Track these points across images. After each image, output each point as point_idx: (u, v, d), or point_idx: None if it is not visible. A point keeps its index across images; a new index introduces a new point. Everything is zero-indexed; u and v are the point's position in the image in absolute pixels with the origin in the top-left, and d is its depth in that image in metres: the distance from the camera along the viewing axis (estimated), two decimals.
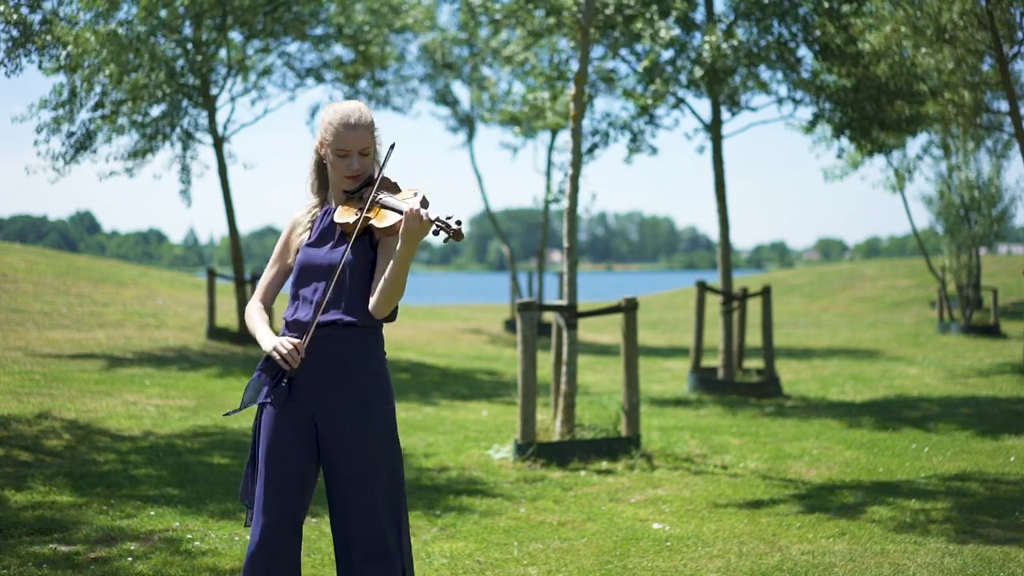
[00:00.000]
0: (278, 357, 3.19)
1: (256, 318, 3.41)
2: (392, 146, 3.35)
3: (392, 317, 3.35)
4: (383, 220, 3.26)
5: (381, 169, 3.35)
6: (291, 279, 3.39)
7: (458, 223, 3.11)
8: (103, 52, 12.24)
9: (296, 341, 3.21)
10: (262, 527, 3.27)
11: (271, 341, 3.25)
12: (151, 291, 19.08)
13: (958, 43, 10.82)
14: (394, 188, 3.37)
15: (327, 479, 3.33)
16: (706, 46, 10.62)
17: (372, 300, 3.27)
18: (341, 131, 3.30)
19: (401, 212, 3.21)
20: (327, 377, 3.27)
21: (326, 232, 3.37)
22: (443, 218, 3.12)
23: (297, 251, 3.39)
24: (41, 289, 16.48)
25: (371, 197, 3.27)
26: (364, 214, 3.25)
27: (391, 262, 3.19)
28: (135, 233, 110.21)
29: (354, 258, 3.30)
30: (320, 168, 3.44)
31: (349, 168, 3.34)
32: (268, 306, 3.46)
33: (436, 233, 3.15)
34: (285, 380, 3.27)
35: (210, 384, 10.86)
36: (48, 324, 13.84)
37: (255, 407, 3.39)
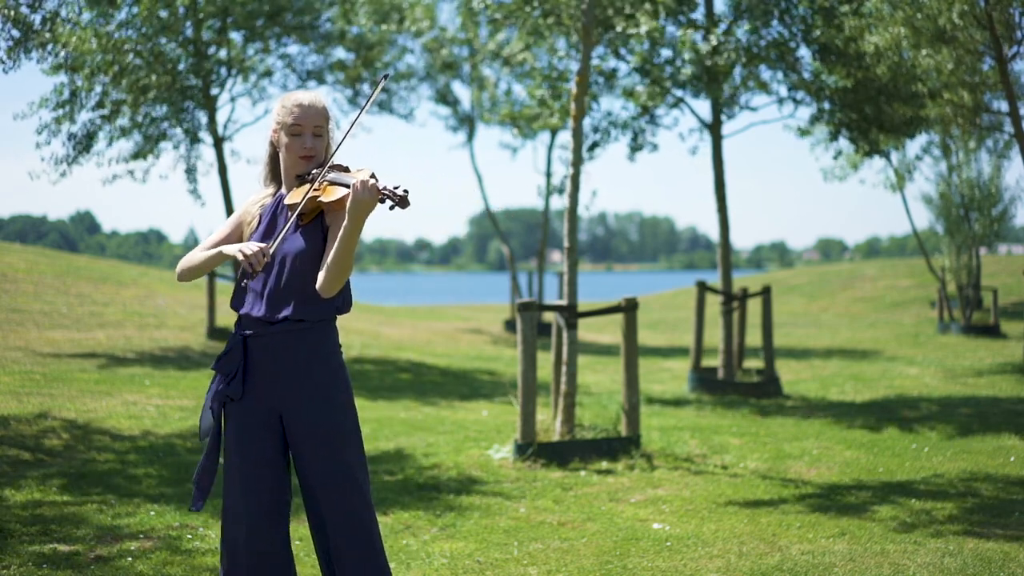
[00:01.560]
0: (242, 257, 3.14)
1: (199, 251, 3.36)
2: (386, 76, 3.37)
3: (345, 307, 3.33)
4: (331, 195, 3.24)
5: (335, 149, 3.35)
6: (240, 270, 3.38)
7: (404, 191, 3.10)
8: (103, 54, 12.24)
9: (261, 244, 3.16)
10: (246, 529, 3.26)
11: (233, 246, 3.21)
12: (151, 291, 19.08)
13: (957, 43, 10.81)
14: (344, 170, 3.37)
15: (300, 478, 3.31)
16: (706, 44, 10.62)
17: (319, 278, 3.22)
18: (295, 110, 3.33)
19: (346, 185, 3.20)
20: (285, 375, 3.26)
21: (276, 219, 3.36)
22: (389, 187, 3.11)
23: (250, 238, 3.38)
24: (41, 289, 16.48)
25: (320, 174, 3.28)
26: (311, 190, 3.24)
27: (339, 237, 3.15)
28: (135, 233, 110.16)
29: (304, 245, 3.27)
30: (274, 159, 3.46)
31: (303, 147, 3.34)
32: None
33: (382, 201, 3.12)
34: (235, 373, 3.25)
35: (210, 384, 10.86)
36: (48, 324, 13.84)
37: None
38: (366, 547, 3.27)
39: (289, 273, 3.26)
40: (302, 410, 3.26)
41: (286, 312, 3.24)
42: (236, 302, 3.34)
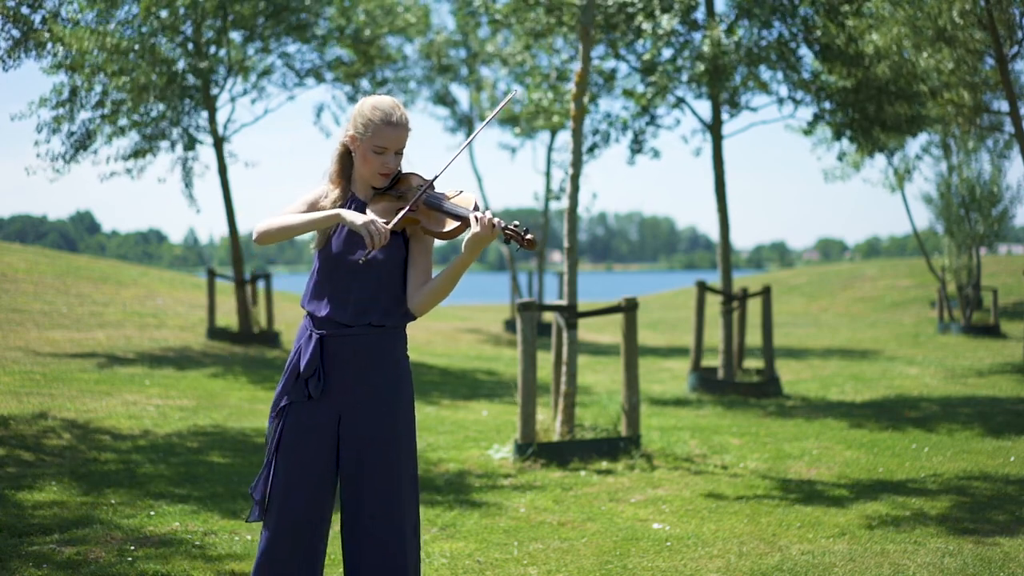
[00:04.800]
0: (367, 233, 3.12)
1: (292, 213, 3.28)
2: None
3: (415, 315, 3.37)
4: (435, 223, 3.23)
5: (433, 179, 3.29)
6: (316, 271, 3.34)
7: (527, 231, 3.11)
8: (102, 54, 12.22)
9: (385, 223, 3.16)
10: (284, 527, 3.25)
11: (360, 216, 3.16)
12: (151, 291, 19.08)
13: (958, 43, 10.81)
14: (429, 186, 3.33)
15: (345, 478, 3.30)
16: (707, 41, 10.61)
17: (417, 299, 3.27)
18: (383, 129, 3.27)
19: (458, 217, 3.19)
20: (357, 378, 3.27)
21: None
22: (511, 227, 3.11)
23: (327, 241, 3.32)
24: (41, 289, 16.48)
25: (417, 196, 3.25)
26: (408, 212, 3.22)
27: (450, 267, 3.21)
28: (135, 233, 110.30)
29: (385, 255, 3.28)
30: (344, 159, 3.38)
31: (385, 166, 3.31)
32: None
33: (506, 242, 3.13)
34: (315, 373, 3.24)
35: (210, 384, 10.86)
36: (48, 324, 13.83)
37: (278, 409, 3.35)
38: (404, 552, 3.28)
39: (375, 281, 3.27)
40: (368, 411, 3.27)
41: (370, 318, 3.27)
42: (315, 305, 3.31)
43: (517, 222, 3.13)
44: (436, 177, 3.30)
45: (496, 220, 3.11)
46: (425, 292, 3.26)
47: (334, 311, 3.27)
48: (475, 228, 3.12)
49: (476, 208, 3.20)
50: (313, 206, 3.35)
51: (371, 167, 3.31)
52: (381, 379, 3.28)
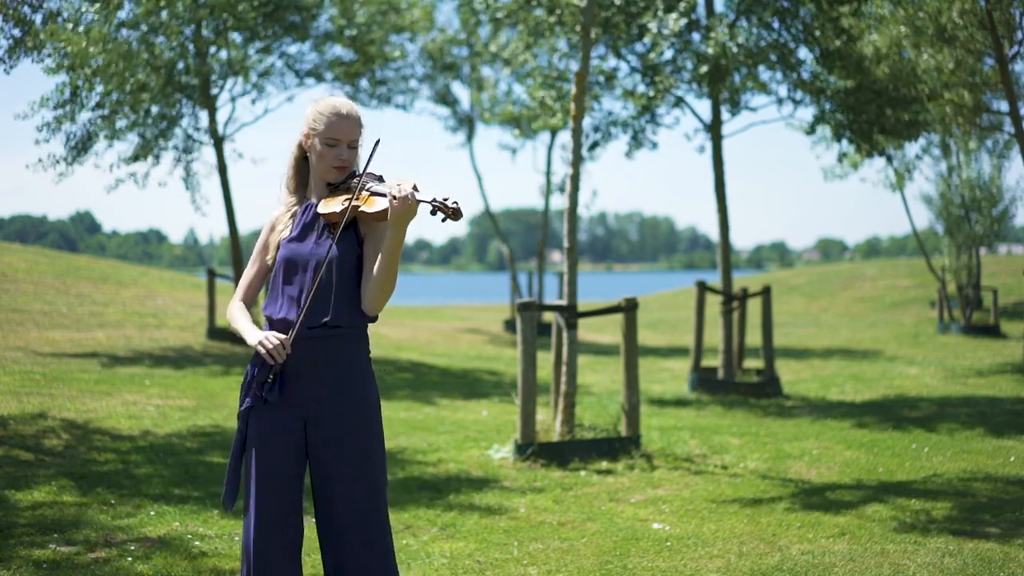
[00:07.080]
0: (264, 351, 3.15)
1: (239, 316, 3.35)
2: (377, 142, 3.32)
3: (375, 316, 3.33)
4: (372, 205, 3.21)
5: (368, 162, 3.30)
6: (273, 275, 3.35)
7: (455, 202, 3.07)
8: (102, 55, 12.21)
9: (282, 336, 3.17)
10: (256, 530, 3.25)
11: (255, 335, 3.21)
12: (151, 291, 19.08)
13: (958, 43, 10.81)
14: (379, 179, 3.35)
15: (316, 484, 3.30)
16: (711, 42, 10.60)
17: (365, 297, 3.24)
18: (333, 120, 3.31)
19: (384, 195, 3.18)
20: (317, 380, 3.25)
21: (308, 226, 3.34)
22: (438, 198, 3.08)
23: (278, 248, 3.35)
24: (41, 289, 16.48)
25: (359, 185, 3.24)
26: (352, 202, 3.22)
27: (381, 252, 3.17)
28: (135, 233, 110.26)
29: (339, 253, 3.26)
30: (300, 164, 3.42)
31: (338, 158, 3.32)
32: (249, 305, 3.41)
33: (434, 213, 3.10)
34: (272, 378, 3.23)
35: (210, 384, 10.86)
36: (48, 324, 13.83)
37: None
38: (380, 553, 3.28)
39: (325, 280, 3.25)
40: (331, 413, 3.26)
41: (324, 318, 3.24)
42: (271, 308, 3.31)
43: (446, 196, 3.09)
44: (368, 162, 3.27)
45: (412, 193, 3.07)
46: (369, 288, 3.23)
47: (289, 313, 3.26)
48: (393, 204, 3.09)
49: (416, 190, 3.16)
50: (267, 241, 3.40)
51: (325, 161, 3.33)
52: (342, 383, 3.26)
